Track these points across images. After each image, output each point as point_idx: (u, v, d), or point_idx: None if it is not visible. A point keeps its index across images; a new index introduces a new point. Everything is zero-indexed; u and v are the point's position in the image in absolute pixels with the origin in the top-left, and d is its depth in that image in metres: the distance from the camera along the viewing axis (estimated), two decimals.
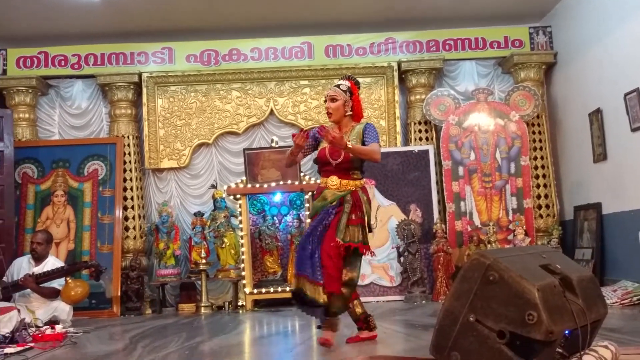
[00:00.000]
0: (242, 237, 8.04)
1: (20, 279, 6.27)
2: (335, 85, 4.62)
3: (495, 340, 2.56)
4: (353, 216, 4.41)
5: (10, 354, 4.65)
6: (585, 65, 7.85)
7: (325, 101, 4.59)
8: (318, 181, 4.87)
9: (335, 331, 4.33)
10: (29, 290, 6.39)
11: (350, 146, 4.27)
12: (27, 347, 4.94)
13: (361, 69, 8.67)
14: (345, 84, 4.59)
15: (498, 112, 8.41)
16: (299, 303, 4.32)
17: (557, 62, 8.65)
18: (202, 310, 7.83)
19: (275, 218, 8.47)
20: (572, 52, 8.20)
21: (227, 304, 8.14)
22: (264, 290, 7.94)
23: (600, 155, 7.51)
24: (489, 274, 2.60)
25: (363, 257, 4.53)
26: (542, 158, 8.52)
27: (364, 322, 4.59)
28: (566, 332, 2.64)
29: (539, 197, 8.44)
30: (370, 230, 4.58)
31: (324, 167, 4.58)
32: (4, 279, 6.44)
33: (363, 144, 4.48)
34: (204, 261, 7.94)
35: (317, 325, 4.49)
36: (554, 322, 2.49)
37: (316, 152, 4.70)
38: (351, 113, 4.57)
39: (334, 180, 4.48)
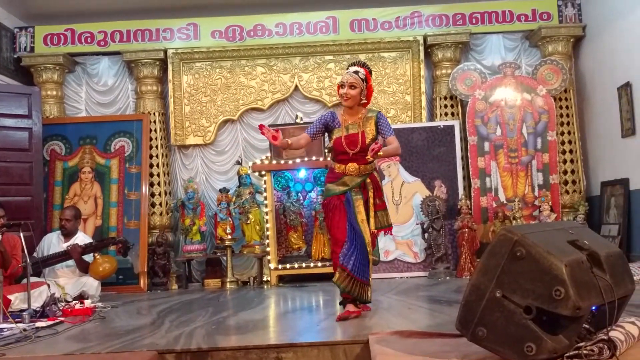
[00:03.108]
0: (266, 214, 8.08)
1: (69, 246, 6.38)
2: (354, 72, 4.76)
3: (521, 316, 2.55)
4: (377, 201, 4.84)
5: (42, 327, 4.75)
6: (614, 38, 7.70)
7: (343, 86, 4.73)
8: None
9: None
10: (57, 265, 6.51)
11: (381, 154, 4.51)
12: (57, 321, 5.05)
13: (386, 43, 8.60)
14: (362, 72, 4.77)
15: (525, 86, 8.30)
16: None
17: (585, 36, 8.49)
18: (228, 285, 7.90)
19: (299, 194, 8.48)
20: (602, 25, 8.04)
21: (252, 279, 8.21)
22: (288, 266, 7.98)
23: (628, 130, 7.39)
24: (516, 249, 2.59)
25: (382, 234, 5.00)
26: (569, 133, 8.42)
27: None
28: (593, 308, 2.63)
29: (565, 172, 8.35)
30: None
31: (340, 155, 4.80)
32: (34, 254, 6.53)
33: (377, 133, 4.77)
34: (229, 237, 8.00)
35: (341, 302, 4.85)
36: (582, 298, 2.48)
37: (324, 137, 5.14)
38: (365, 101, 4.81)
39: (353, 167, 4.74)
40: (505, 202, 8.11)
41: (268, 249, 8.00)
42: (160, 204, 8.53)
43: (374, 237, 4.83)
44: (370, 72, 4.89)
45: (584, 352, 2.54)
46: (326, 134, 4.97)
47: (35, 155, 7.70)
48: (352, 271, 4.60)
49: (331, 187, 4.80)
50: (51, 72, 8.59)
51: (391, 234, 5.11)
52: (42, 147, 8.01)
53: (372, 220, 4.77)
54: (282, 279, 8.01)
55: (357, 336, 3.84)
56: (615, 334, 2.67)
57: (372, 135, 4.75)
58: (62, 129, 8.51)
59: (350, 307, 4.68)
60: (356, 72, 4.75)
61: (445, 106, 8.56)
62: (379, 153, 4.47)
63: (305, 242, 8.34)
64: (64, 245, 6.50)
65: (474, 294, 2.70)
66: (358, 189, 4.76)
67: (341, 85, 4.75)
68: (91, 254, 6.55)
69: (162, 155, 8.64)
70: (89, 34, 8.69)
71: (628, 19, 7.35)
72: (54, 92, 8.64)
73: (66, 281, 6.45)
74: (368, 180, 4.79)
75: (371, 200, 4.79)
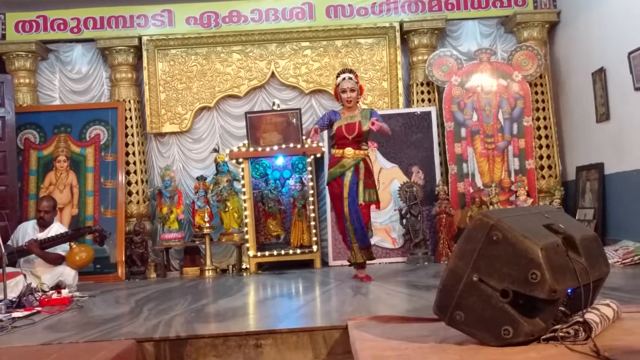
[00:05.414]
0: (245, 201, 8.06)
1: (25, 244, 6.29)
2: (349, 78, 6.05)
3: (498, 300, 2.56)
4: (369, 181, 6.00)
5: (18, 317, 4.69)
6: (588, 24, 7.75)
7: (344, 91, 6.02)
8: (323, 148, 8.03)
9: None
10: (33, 255, 6.42)
11: (381, 125, 5.88)
12: (34, 311, 4.99)
13: (363, 29, 8.58)
14: (353, 77, 6.10)
15: (501, 72, 8.34)
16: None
17: (560, 21, 8.54)
18: (206, 273, 7.86)
19: (277, 182, 8.47)
20: (576, 10, 8.09)
21: (231, 267, 8.19)
22: (267, 253, 7.98)
23: (603, 115, 7.46)
24: (492, 233, 2.59)
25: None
26: (544, 118, 8.47)
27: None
28: (569, 290, 2.64)
29: (541, 157, 8.41)
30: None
31: (340, 140, 5.96)
32: (9, 243, 6.46)
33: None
34: (207, 225, 7.96)
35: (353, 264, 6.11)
36: (557, 281, 2.49)
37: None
38: (359, 98, 6.18)
39: (350, 150, 5.94)
40: (482, 187, 8.16)
41: (247, 237, 7.99)
42: (137, 193, 8.45)
43: (366, 210, 5.98)
44: (356, 75, 6.23)
45: (560, 334, 2.56)
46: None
47: (8, 144, 7.60)
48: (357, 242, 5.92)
49: (332, 171, 5.97)
50: (24, 60, 8.45)
51: (377, 209, 6.53)
52: (16, 136, 7.89)
53: (361, 195, 5.89)
54: (261, 267, 8.01)
55: (336, 322, 3.84)
56: (590, 316, 2.68)
57: (366, 124, 5.89)
58: (36, 117, 8.39)
59: (359, 272, 6.07)
60: (350, 79, 6.04)
61: (422, 92, 8.57)
62: (383, 126, 5.85)
63: (283, 229, 8.35)
64: (39, 235, 6.42)
65: (451, 279, 2.70)
66: (352, 170, 5.87)
67: (343, 91, 6.02)
68: (67, 244, 6.49)
69: (138, 143, 8.56)
70: (61, 21, 8.57)
71: (602, 5, 7.40)
72: (27, 80, 8.50)
73: (43, 271, 6.37)
74: (361, 164, 5.93)
75: (362, 179, 5.90)
